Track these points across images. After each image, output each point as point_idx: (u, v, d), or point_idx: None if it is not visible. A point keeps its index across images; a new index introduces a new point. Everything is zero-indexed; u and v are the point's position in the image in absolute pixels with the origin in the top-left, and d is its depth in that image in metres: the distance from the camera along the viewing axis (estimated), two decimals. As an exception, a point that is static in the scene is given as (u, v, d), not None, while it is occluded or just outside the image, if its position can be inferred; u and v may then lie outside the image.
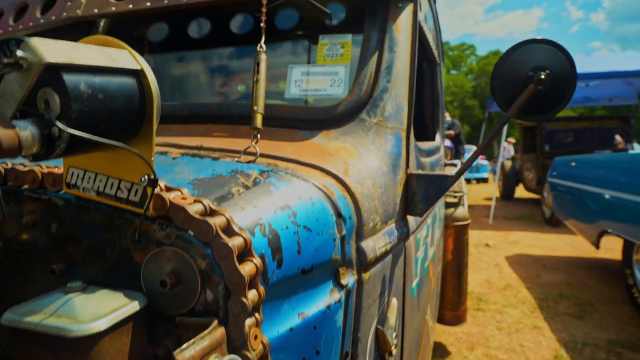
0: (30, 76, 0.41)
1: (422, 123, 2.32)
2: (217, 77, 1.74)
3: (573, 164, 4.86)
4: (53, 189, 0.67)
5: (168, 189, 0.63)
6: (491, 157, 19.75)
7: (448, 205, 2.79)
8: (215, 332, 0.55)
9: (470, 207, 9.62)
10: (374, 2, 1.24)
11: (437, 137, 2.27)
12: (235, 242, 0.58)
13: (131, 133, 0.56)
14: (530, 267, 5.15)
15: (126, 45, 0.54)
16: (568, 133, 9.33)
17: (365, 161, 1.02)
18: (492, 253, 5.84)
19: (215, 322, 0.57)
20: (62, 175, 0.65)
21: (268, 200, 0.73)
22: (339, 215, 0.83)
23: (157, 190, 0.59)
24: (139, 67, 0.54)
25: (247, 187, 0.74)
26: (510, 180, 10.99)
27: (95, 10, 1.33)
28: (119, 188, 0.60)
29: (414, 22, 1.25)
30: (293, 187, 0.79)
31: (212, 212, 0.62)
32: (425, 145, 1.68)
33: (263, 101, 0.91)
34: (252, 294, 0.59)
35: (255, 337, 0.59)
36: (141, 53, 1.69)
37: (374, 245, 0.92)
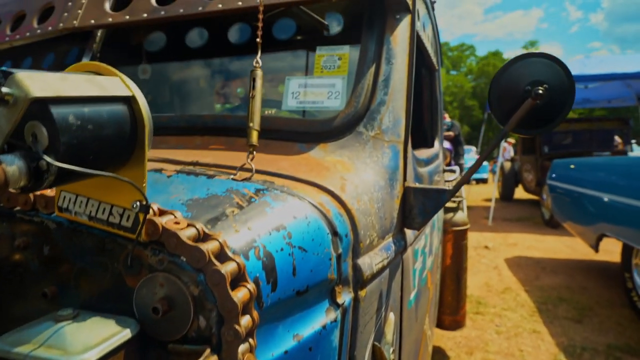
0: (17, 111, 0.41)
1: (421, 129, 2.31)
2: (214, 86, 1.74)
3: (572, 166, 4.85)
4: (45, 212, 0.67)
5: (161, 213, 0.62)
6: (491, 157, 19.74)
7: (447, 210, 2.78)
8: (208, 361, 0.55)
9: (469, 208, 9.62)
10: (372, 13, 1.23)
11: (436, 143, 2.26)
12: (228, 268, 0.58)
13: (122, 159, 0.55)
14: (530, 269, 5.14)
15: (117, 72, 0.54)
16: (567, 134, 9.31)
17: (362, 176, 1.01)
18: (492, 255, 5.83)
19: (208, 350, 0.56)
20: (54, 198, 0.65)
21: (263, 221, 0.72)
22: (335, 233, 0.82)
23: (150, 214, 0.58)
24: (130, 94, 0.53)
25: (241, 207, 0.73)
26: (509, 181, 10.99)
27: (92, 21, 1.32)
28: (110, 213, 0.60)
29: (411, 33, 1.24)
30: (288, 206, 0.79)
31: (206, 237, 0.61)
32: (423, 154, 1.67)
33: (259, 117, 0.90)
34: (245, 320, 0.58)
35: (249, 364, 0.58)
36: (138, 62, 1.70)
37: (370, 261, 0.91)
